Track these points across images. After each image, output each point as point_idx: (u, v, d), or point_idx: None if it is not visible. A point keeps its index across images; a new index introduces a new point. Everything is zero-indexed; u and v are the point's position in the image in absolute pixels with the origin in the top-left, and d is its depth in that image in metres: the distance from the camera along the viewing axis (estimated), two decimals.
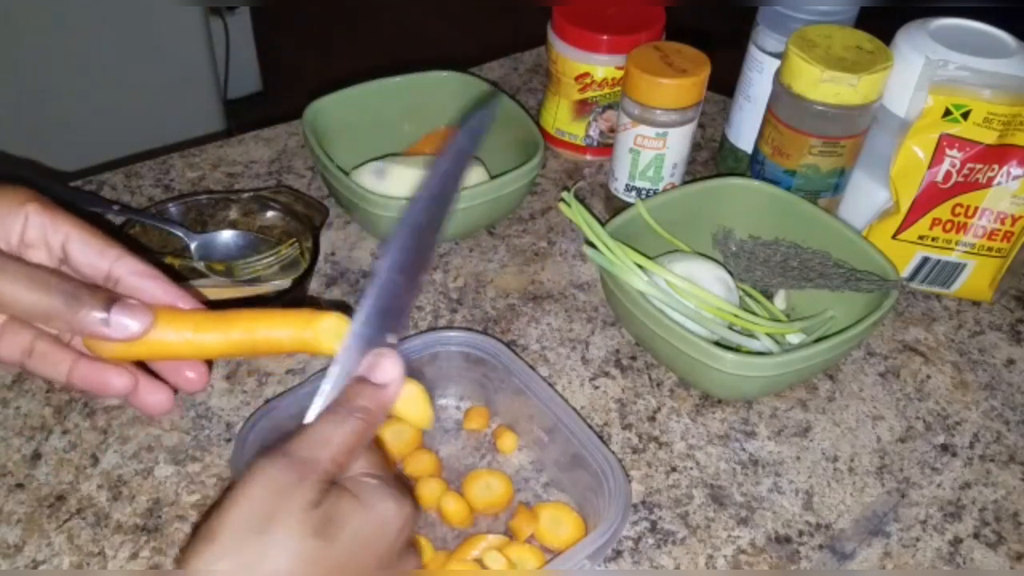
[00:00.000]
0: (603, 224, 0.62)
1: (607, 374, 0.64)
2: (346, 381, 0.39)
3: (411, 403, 0.40)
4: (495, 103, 0.46)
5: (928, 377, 0.66)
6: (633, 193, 0.74)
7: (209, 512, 0.34)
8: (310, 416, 0.38)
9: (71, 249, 0.40)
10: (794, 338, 0.63)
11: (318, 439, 0.36)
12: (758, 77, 0.74)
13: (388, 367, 0.38)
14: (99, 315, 0.38)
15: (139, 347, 0.39)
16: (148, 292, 0.41)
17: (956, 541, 0.56)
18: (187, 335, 0.39)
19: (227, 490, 0.34)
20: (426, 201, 0.42)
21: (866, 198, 0.70)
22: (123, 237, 0.65)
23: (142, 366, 0.42)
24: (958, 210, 0.67)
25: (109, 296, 0.38)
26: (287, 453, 0.35)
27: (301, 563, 0.33)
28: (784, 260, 0.66)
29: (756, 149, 0.71)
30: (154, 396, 0.41)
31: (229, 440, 0.58)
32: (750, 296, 0.67)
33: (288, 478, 0.34)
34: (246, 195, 0.69)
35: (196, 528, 0.34)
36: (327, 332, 0.40)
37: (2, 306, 0.37)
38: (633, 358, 0.65)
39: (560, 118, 0.82)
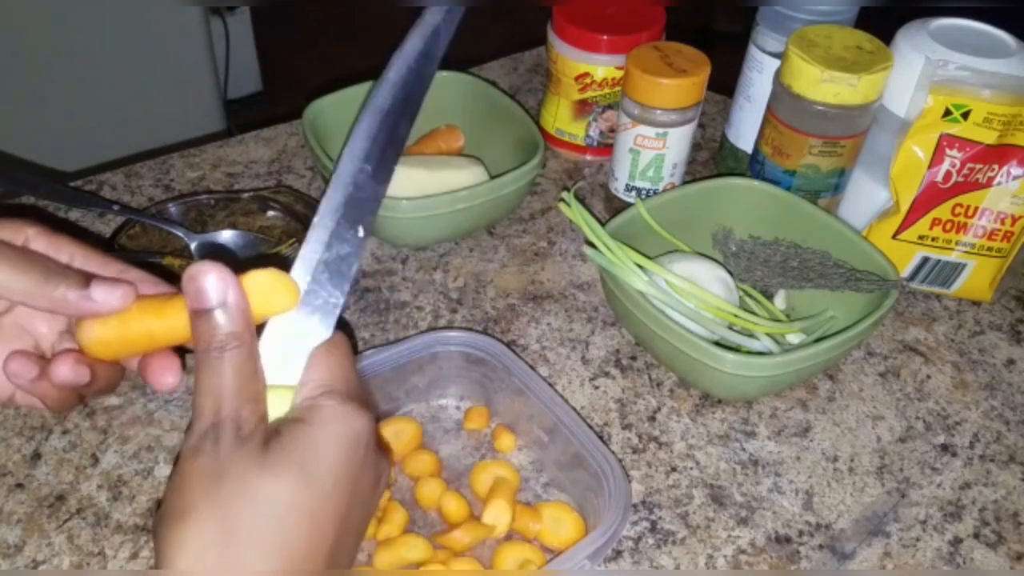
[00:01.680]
0: (603, 224, 0.62)
1: (607, 374, 0.64)
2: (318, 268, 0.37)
3: (265, 298, 0.36)
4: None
5: (928, 377, 0.66)
6: (633, 193, 0.74)
7: (162, 500, 0.34)
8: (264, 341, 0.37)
9: (75, 263, 0.41)
10: (794, 338, 0.63)
11: (210, 393, 0.34)
12: (758, 77, 0.74)
13: (210, 288, 0.35)
14: (78, 290, 0.37)
15: (123, 338, 0.38)
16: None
17: (956, 541, 0.56)
18: (159, 319, 0.38)
19: (170, 479, 0.34)
20: (393, 84, 0.40)
21: (866, 198, 0.70)
22: (123, 239, 0.65)
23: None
24: (958, 210, 0.67)
25: (86, 275, 0.38)
26: (192, 426, 0.34)
27: (288, 506, 0.33)
28: (784, 260, 0.66)
29: (756, 149, 0.71)
30: (164, 373, 0.40)
31: None
32: (750, 296, 0.67)
33: (213, 441, 0.33)
34: (246, 195, 0.69)
35: (158, 518, 0.34)
36: (253, 293, 0.36)
37: None
38: (633, 358, 0.65)
39: (560, 118, 0.82)
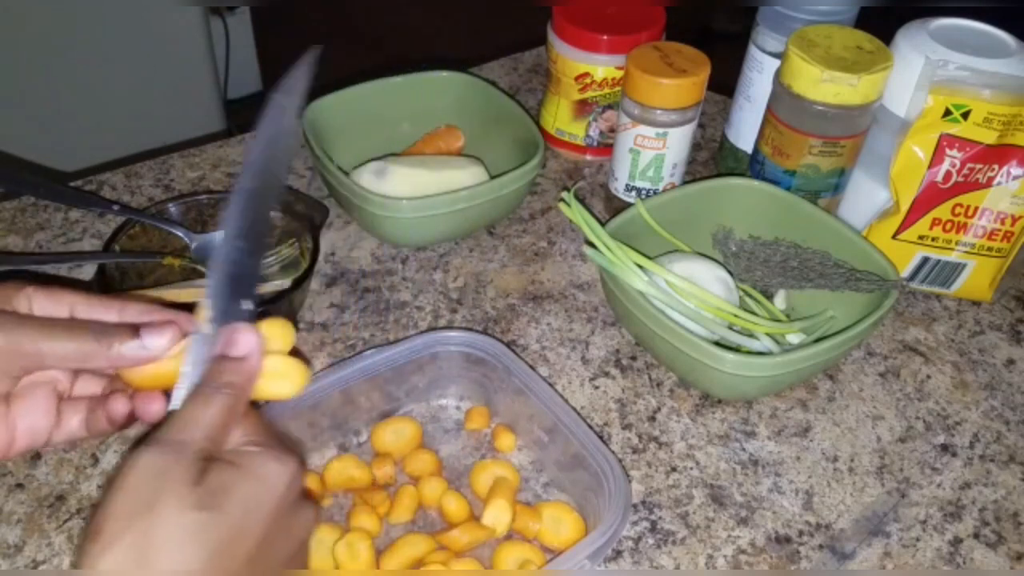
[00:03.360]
0: (603, 224, 0.62)
1: (607, 374, 0.64)
2: (205, 358, 0.40)
3: (277, 379, 0.40)
4: (310, 60, 0.50)
5: (928, 377, 0.66)
6: (633, 193, 0.74)
7: (93, 512, 0.34)
8: (175, 400, 0.39)
9: (79, 313, 0.42)
10: (794, 338, 0.63)
11: (188, 420, 0.36)
12: (758, 77, 0.74)
13: (243, 340, 0.39)
14: (132, 342, 0.40)
15: (172, 371, 0.41)
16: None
17: (956, 541, 0.56)
18: None
19: (107, 487, 0.35)
20: (254, 167, 0.44)
21: (866, 198, 0.70)
22: (123, 238, 0.65)
23: None
24: (958, 210, 0.67)
25: (132, 327, 0.41)
26: (159, 439, 0.36)
27: (190, 536, 0.33)
28: (784, 260, 0.66)
29: (756, 149, 0.71)
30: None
31: None
32: (750, 296, 0.67)
33: (163, 461, 0.35)
34: None
35: (90, 523, 0.35)
36: (270, 376, 0.40)
37: (47, 358, 0.39)
38: (633, 358, 0.65)
39: (560, 118, 0.82)
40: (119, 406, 0.41)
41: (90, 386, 0.45)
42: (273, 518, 0.36)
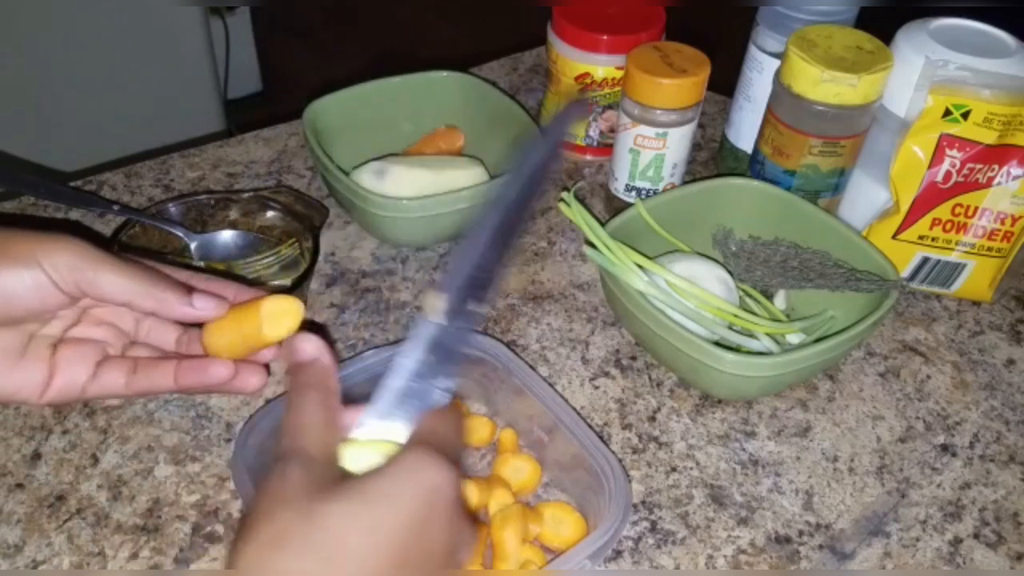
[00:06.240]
0: (603, 224, 0.62)
1: (607, 374, 0.64)
2: (430, 347, 0.40)
3: (278, 318, 0.43)
4: (584, 101, 0.50)
5: (928, 377, 0.66)
6: (633, 193, 0.74)
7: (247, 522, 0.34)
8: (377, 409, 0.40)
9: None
10: (794, 338, 0.63)
11: (291, 429, 0.37)
12: (758, 77, 0.74)
13: (305, 346, 0.41)
14: (181, 296, 0.44)
15: (240, 342, 0.45)
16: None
17: (956, 541, 0.56)
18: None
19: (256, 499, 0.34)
20: (523, 179, 0.44)
21: (866, 198, 0.70)
22: (123, 239, 0.65)
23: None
24: (958, 210, 0.67)
25: (188, 287, 0.45)
26: (276, 454, 0.36)
27: (360, 542, 0.32)
28: (784, 260, 0.66)
29: (756, 149, 0.71)
30: (253, 377, 0.48)
31: (229, 440, 0.58)
32: (750, 296, 0.67)
33: (279, 466, 0.35)
34: (246, 195, 0.69)
35: (246, 538, 0.34)
36: (270, 318, 0.44)
37: (102, 285, 0.43)
38: (633, 358, 0.65)
39: None
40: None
41: (143, 351, 0.48)
42: (423, 522, 0.34)
